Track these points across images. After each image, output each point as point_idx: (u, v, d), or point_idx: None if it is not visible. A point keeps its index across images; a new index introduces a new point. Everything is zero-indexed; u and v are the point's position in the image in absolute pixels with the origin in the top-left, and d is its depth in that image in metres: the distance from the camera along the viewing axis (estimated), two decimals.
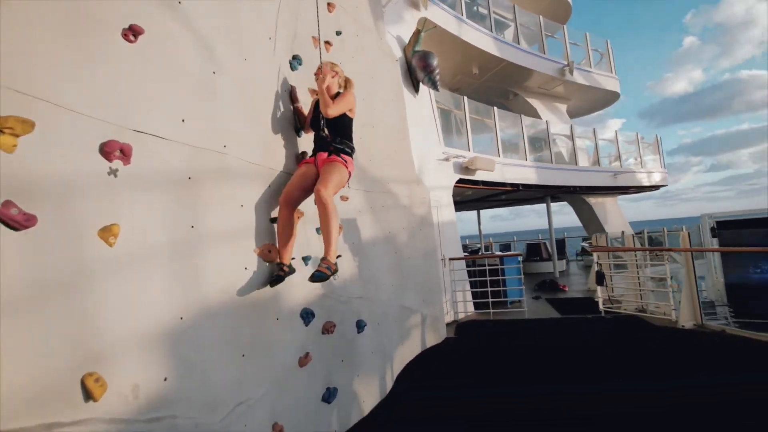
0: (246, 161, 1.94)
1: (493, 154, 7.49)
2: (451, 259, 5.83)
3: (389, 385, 3.10)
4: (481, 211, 13.97)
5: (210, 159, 1.74)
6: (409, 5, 6.23)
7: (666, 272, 4.75)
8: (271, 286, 1.93)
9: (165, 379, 1.39)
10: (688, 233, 4.71)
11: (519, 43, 8.84)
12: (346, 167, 2.20)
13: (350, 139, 2.33)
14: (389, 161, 4.13)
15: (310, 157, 2.28)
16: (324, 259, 1.95)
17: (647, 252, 6.14)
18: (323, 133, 2.24)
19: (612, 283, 5.98)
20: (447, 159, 6.30)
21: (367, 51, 3.92)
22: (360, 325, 2.75)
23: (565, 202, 12.02)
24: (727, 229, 8.30)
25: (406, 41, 5.83)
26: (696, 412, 2.48)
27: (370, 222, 3.39)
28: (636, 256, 5.83)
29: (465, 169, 6.61)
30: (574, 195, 10.85)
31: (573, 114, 12.10)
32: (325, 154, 2.19)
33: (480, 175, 6.98)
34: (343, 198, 3.01)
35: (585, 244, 9.86)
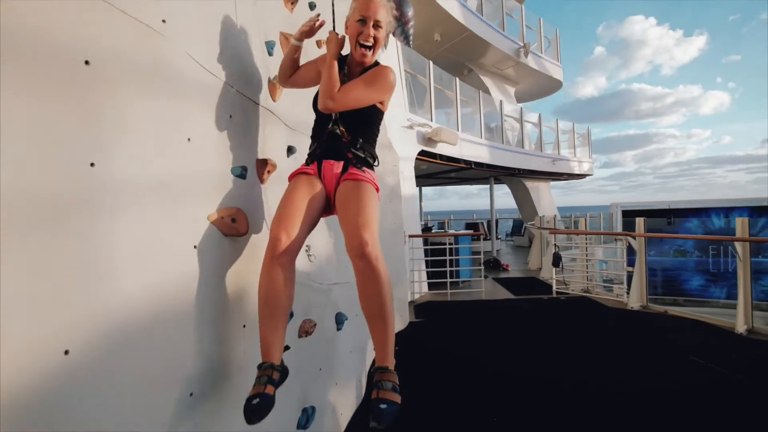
0: (197, 62, 1.14)
1: (452, 128, 7.12)
2: (411, 236, 5.38)
3: (363, 388, 2.55)
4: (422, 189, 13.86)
5: (133, 31, 0.93)
6: None
7: (623, 255, 4.87)
8: (249, 422, 1.00)
9: None
10: (643, 220, 4.84)
11: (482, 15, 8.46)
12: (378, 191, 1.38)
13: (375, 143, 1.47)
14: None
15: (308, 162, 1.41)
16: (383, 370, 1.11)
17: (600, 235, 6.37)
18: (336, 129, 1.37)
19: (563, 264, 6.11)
20: (411, 127, 5.74)
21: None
22: (340, 320, 2.12)
23: (502, 184, 12.39)
24: (631, 217, 9.35)
25: None
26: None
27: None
28: (587, 239, 5.99)
29: (428, 140, 6.13)
30: (514, 177, 11.15)
31: (518, 99, 12.33)
32: (339, 165, 1.35)
33: (440, 149, 6.58)
34: None
35: (529, 224, 10.22)
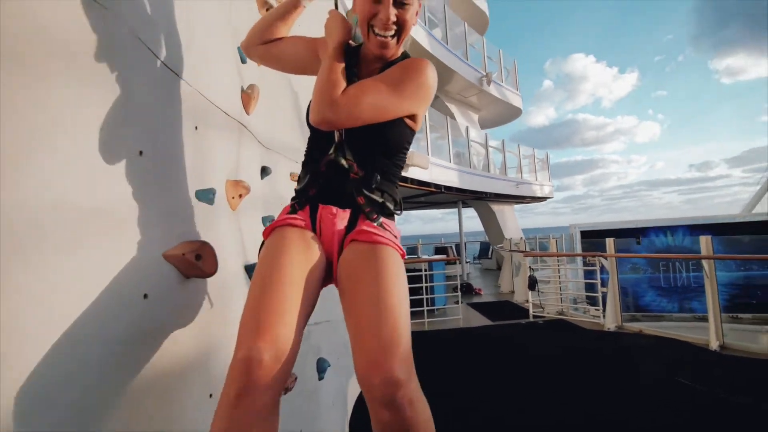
0: (156, 56, 0.90)
1: (422, 153, 7.13)
2: None
3: None
4: None
5: (73, 6, 0.69)
6: None
7: (597, 277, 4.91)
8: None
9: None
10: (613, 241, 4.94)
11: (447, 44, 8.76)
12: (404, 256, 0.92)
13: (398, 180, 1.00)
14: None
15: (296, 206, 0.94)
16: None
17: (573, 257, 6.47)
18: (341, 159, 0.90)
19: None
20: None
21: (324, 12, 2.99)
22: (322, 368, 1.82)
23: (468, 208, 12.59)
24: (589, 237, 9.82)
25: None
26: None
27: None
28: (558, 261, 6.05)
29: None
30: (481, 201, 11.36)
31: (482, 125, 12.79)
32: (345, 216, 0.90)
33: (412, 173, 6.52)
34: (294, 177, 2.05)
35: (498, 247, 10.33)
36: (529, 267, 5.68)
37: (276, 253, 0.83)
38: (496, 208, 11.76)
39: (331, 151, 0.92)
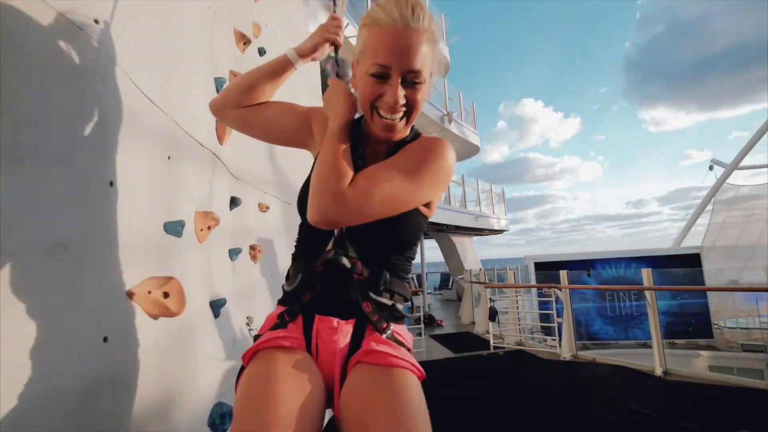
0: (134, 83, 0.87)
1: None
2: None
3: None
4: None
5: (49, 22, 0.66)
6: (324, 8, 5.63)
7: (553, 307, 5.13)
8: None
9: None
10: (566, 273, 5.23)
11: None
12: (422, 378, 0.76)
13: (408, 275, 0.84)
14: (303, 170, 3.24)
15: (286, 317, 0.75)
16: None
17: (531, 287, 6.72)
18: (342, 257, 0.75)
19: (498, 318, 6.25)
20: None
21: (293, 40, 3.06)
22: None
23: (429, 239, 12.84)
24: (542, 269, 10.40)
25: None
26: None
27: (286, 246, 2.42)
28: (516, 292, 6.27)
29: None
30: (442, 233, 11.65)
31: None
32: (348, 328, 0.75)
33: None
34: (263, 208, 2.01)
35: (458, 278, 10.51)
36: (489, 298, 5.82)
37: (263, 391, 0.63)
38: (456, 239, 12.10)
39: (330, 246, 0.76)
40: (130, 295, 0.81)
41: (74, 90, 0.70)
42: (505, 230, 13.65)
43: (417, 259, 11.92)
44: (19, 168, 0.60)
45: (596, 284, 9.62)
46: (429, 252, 13.73)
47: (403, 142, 0.79)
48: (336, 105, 0.77)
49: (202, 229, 1.26)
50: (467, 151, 13.30)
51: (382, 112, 0.72)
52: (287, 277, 0.82)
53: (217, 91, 1.46)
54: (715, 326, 10.84)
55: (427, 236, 12.05)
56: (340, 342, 0.73)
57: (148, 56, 0.95)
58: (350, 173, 0.70)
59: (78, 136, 0.71)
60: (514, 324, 6.10)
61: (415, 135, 0.83)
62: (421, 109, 0.75)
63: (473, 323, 7.49)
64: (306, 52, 0.88)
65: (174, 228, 1.03)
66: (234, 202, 1.64)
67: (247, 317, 1.59)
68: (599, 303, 10.62)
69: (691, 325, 10.53)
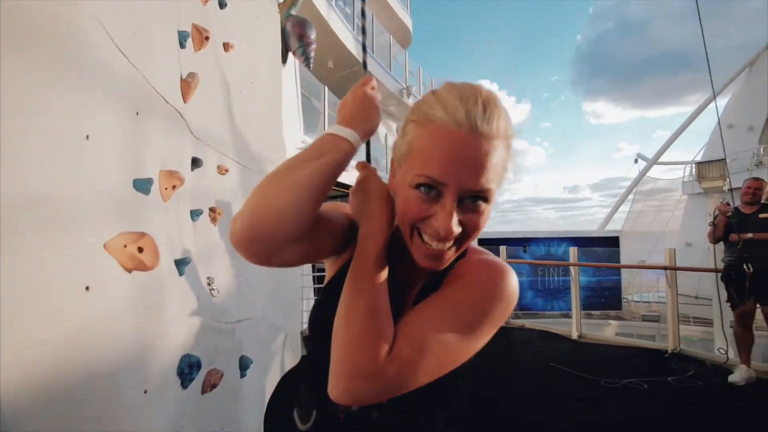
0: (108, 34, 0.85)
1: None
2: None
3: None
4: None
5: None
6: None
7: None
8: None
9: None
10: (505, 249, 5.68)
11: (373, 53, 9.02)
12: None
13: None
14: (264, 135, 3.17)
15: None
16: None
17: None
18: (373, 411, 0.59)
19: None
20: None
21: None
22: (245, 365, 1.80)
23: None
24: (485, 245, 11.29)
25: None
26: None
27: None
28: None
29: None
30: None
31: None
32: None
33: None
34: (222, 171, 1.99)
35: None
36: None
37: None
38: None
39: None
40: (106, 248, 0.83)
41: (53, 42, 0.69)
42: None
43: None
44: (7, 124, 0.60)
45: (531, 260, 10.52)
46: None
47: (447, 270, 0.58)
48: (373, 215, 0.56)
49: (166, 188, 1.26)
50: None
51: (426, 238, 0.52)
52: (299, 404, 0.67)
53: (181, 44, 1.40)
54: (624, 300, 12.47)
55: None
56: None
57: (120, 8, 0.92)
58: (391, 332, 0.50)
59: (54, 89, 0.70)
60: None
61: (462, 254, 0.59)
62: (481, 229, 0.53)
63: None
64: (370, 134, 0.61)
65: (143, 185, 1.03)
66: (196, 162, 1.62)
67: (208, 277, 1.62)
68: (532, 278, 11.70)
69: (605, 298, 12.00)
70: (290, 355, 3.60)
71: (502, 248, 5.63)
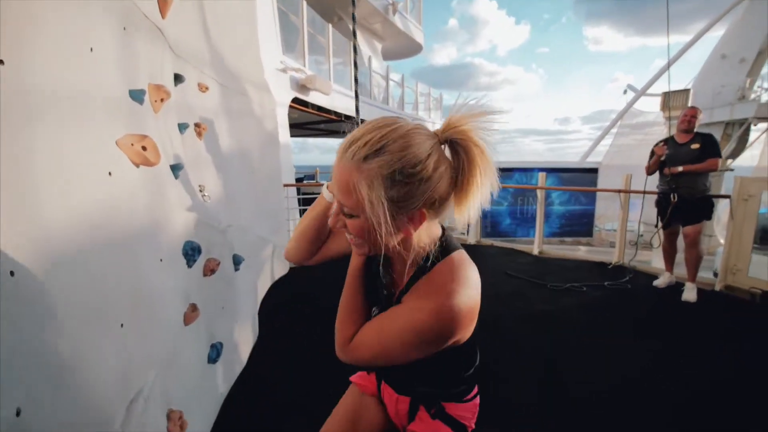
0: None
1: (324, 77, 7.03)
2: (286, 185, 5.33)
3: (257, 326, 2.64)
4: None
5: None
6: None
7: None
8: None
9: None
10: None
11: None
12: None
13: (462, 378, 0.85)
14: (241, 53, 3.17)
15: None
16: None
17: None
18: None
19: None
20: (285, 71, 5.45)
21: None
22: (237, 261, 2.12)
23: None
24: None
25: None
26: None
27: (227, 130, 2.56)
28: None
29: (301, 87, 5.95)
30: None
31: (384, 56, 12.78)
32: (405, 400, 0.88)
33: (313, 98, 6.48)
34: (203, 88, 2.10)
35: None
36: None
37: (336, 410, 0.98)
38: None
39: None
40: (118, 144, 1.04)
41: None
42: None
43: (325, 159, 12.31)
44: (37, 29, 0.77)
45: (512, 189, 10.96)
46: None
47: (424, 269, 0.72)
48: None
49: (156, 101, 1.42)
50: (409, 48, 12.83)
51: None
52: None
53: None
54: (596, 228, 13.31)
55: None
56: (400, 409, 0.89)
57: None
58: (358, 325, 0.76)
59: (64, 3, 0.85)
60: None
61: (445, 249, 0.74)
62: (384, 239, 0.62)
63: None
64: None
65: (138, 96, 1.21)
66: (178, 78, 1.74)
67: (199, 185, 1.85)
68: (512, 206, 12.28)
69: (578, 225, 12.81)
70: (279, 265, 4.02)
71: None
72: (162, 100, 1.46)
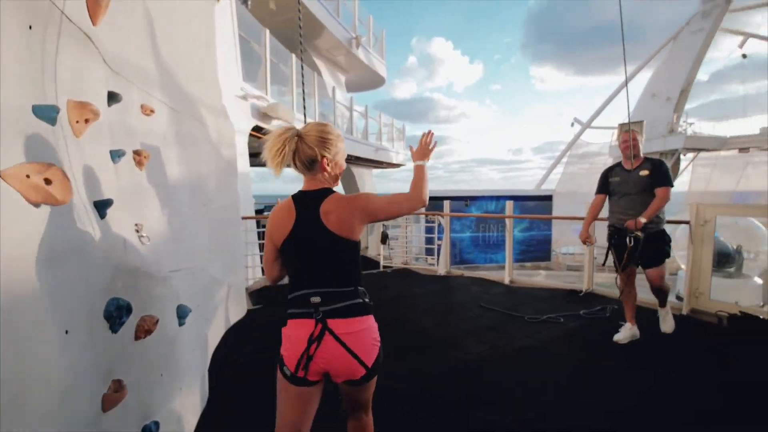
0: None
1: (287, 107, 6.84)
2: (245, 218, 4.95)
3: (207, 388, 2.23)
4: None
5: None
6: None
7: (435, 232, 5.86)
8: None
9: None
10: (449, 202, 5.93)
11: None
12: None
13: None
14: (196, 75, 2.90)
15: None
16: None
17: (419, 215, 7.42)
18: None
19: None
20: (245, 98, 5.21)
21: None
22: (183, 313, 1.77)
23: None
24: (432, 201, 11.94)
25: None
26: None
27: (177, 157, 2.25)
28: (406, 221, 6.91)
29: (263, 115, 5.71)
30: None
31: (347, 88, 12.91)
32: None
33: (274, 126, 6.24)
34: (147, 111, 1.82)
35: None
36: (383, 224, 6.34)
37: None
38: (356, 170, 12.34)
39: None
40: (3, 176, 0.75)
41: None
42: (402, 164, 14.36)
43: (278, 189, 12.13)
44: None
45: (471, 214, 11.12)
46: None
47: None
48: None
49: (78, 122, 1.14)
50: (373, 81, 13.09)
51: None
52: None
53: None
54: (553, 252, 13.79)
55: None
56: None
57: None
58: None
59: None
60: (402, 248, 6.84)
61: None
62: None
63: (366, 248, 8.11)
64: None
65: (46, 113, 0.92)
66: (113, 97, 1.46)
67: (136, 224, 1.53)
68: (474, 233, 12.45)
69: (537, 251, 13.18)
70: (235, 308, 3.59)
71: (446, 203, 5.88)
72: (87, 121, 1.18)
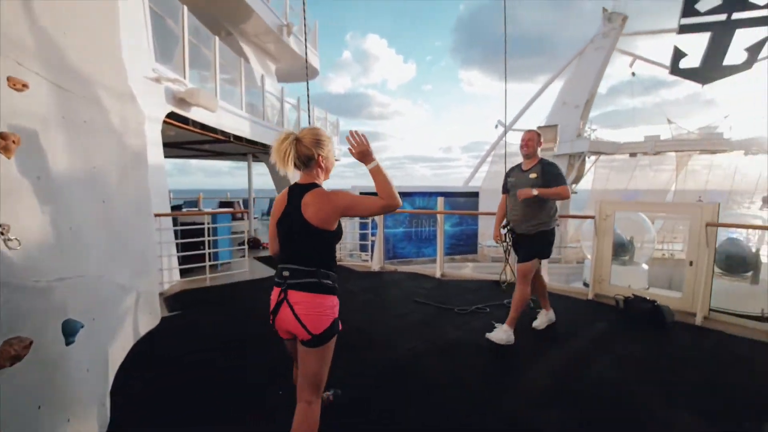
0: None
1: (210, 93, 6.27)
2: (158, 215, 4.43)
3: (108, 412, 1.92)
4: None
5: None
6: None
7: (369, 228, 5.82)
8: None
9: None
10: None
11: None
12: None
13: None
14: (95, 51, 2.49)
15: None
16: None
17: None
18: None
19: None
20: (158, 80, 4.64)
21: None
22: (71, 330, 1.49)
23: (260, 162, 12.16)
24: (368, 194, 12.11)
25: None
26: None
27: (66, 144, 1.91)
28: None
29: (180, 101, 5.15)
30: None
31: (279, 78, 12.30)
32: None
33: (195, 114, 5.69)
34: (17, 85, 1.49)
35: None
36: None
37: None
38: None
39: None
40: None
41: None
42: (337, 160, 14.13)
43: (244, 183, 11.25)
44: None
45: (405, 210, 11.38)
46: (258, 178, 13.11)
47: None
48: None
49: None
50: (303, 72, 12.64)
51: None
52: None
53: None
54: (479, 245, 14.72)
55: (257, 159, 11.38)
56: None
57: None
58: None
59: None
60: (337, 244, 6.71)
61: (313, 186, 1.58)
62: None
63: None
64: None
65: None
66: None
67: (1, 225, 1.25)
68: (407, 229, 12.77)
69: (465, 245, 13.94)
70: (146, 317, 3.19)
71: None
72: (14, 142, 0.90)
